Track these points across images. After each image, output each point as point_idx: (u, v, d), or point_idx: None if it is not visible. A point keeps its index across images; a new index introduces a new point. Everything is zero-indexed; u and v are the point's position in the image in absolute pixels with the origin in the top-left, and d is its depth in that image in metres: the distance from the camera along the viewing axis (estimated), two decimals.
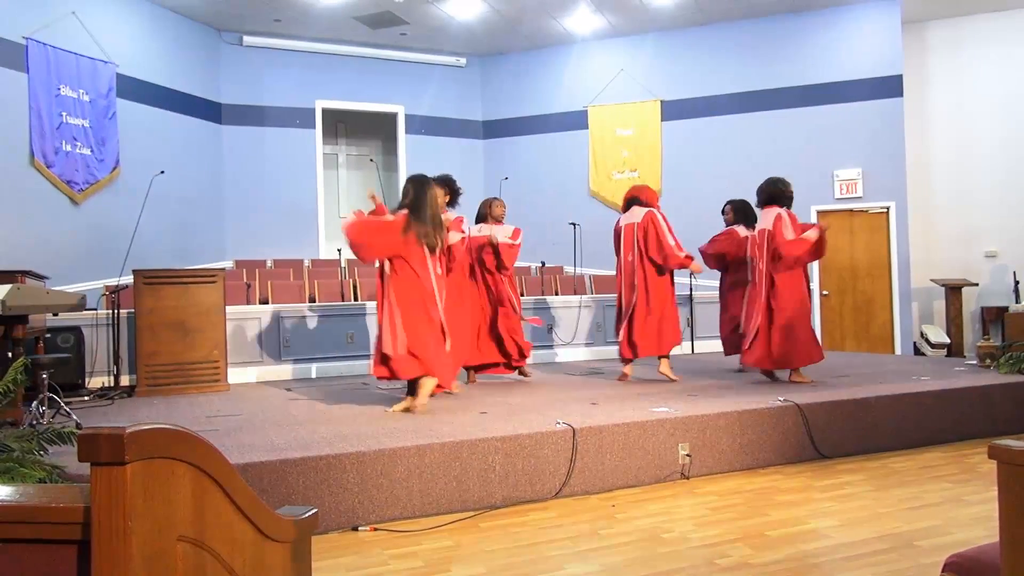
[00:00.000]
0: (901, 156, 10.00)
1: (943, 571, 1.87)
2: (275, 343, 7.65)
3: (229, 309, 6.99)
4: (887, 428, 5.18)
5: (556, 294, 9.66)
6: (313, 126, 11.09)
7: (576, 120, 11.41)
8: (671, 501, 4.07)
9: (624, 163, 11.15)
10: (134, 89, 9.18)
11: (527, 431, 4.17)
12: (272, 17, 10.23)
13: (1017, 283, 10.01)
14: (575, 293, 9.62)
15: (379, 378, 5.07)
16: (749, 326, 6.15)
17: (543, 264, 10.11)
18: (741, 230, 6.98)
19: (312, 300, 8.62)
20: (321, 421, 4.81)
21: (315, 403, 5.72)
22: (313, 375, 7.73)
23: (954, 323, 10.07)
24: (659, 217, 6.36)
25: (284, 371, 7.64)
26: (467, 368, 6.63)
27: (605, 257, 9.48)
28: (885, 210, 10.07)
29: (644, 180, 10.85)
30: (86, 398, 6.35)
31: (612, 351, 9.16)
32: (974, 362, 7.10)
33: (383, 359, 4.99)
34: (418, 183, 5.15)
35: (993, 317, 9.96)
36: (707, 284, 8.90)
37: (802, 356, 5.96)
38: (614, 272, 10.14)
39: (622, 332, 6.43)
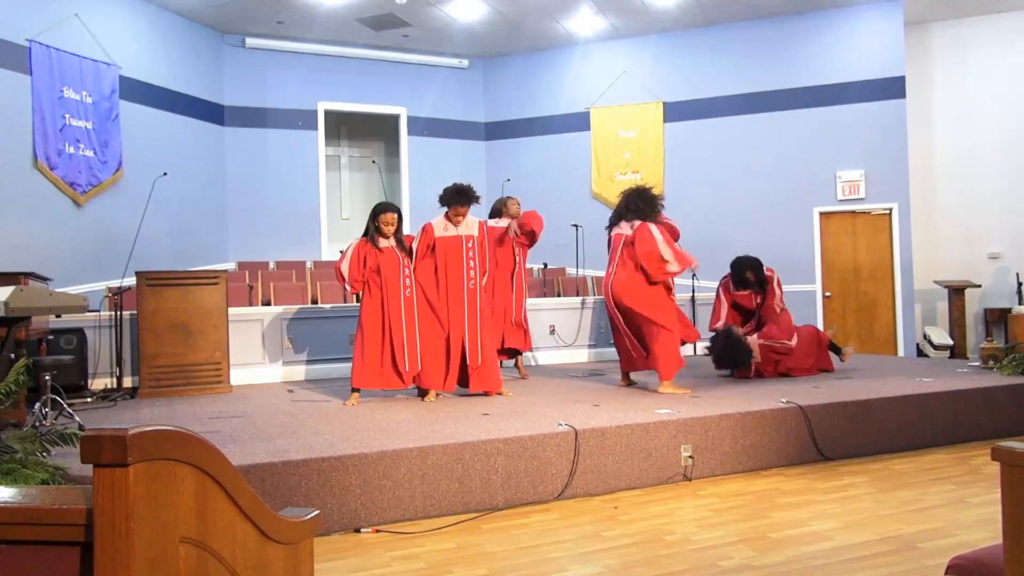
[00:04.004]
0: (904, 157, 9.98)
1: (946, 573, 1.86)
2: (277, 345, 7.65)
3: (231, 311, 7.00)
4: (890, 430, 5.17)
5: (558, 295, 9.66)
6: (315, 128, 11.10)
7: (578, 122, 11.41)
8: (673, 503, 4.07)
9: (626, 165, 11.15)
10: (137, 91, 9.20)
11: (529, 433, 4.17)
12: (275, 19, 10.24)
13: (1020, 284, 9.99)
14: (577, 295, 9.61)
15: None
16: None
17: (545, 265, 10.11)
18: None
19: (314, 302, 8.63)
20: (323, 423, 4.81)
21: (317, 405, 5.72)
22: (316, 377, 7.73)
23: (957, 325, 10.05)
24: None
25: (286, 373, 7.64)
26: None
27: (607, 258, 9.48)
28: (888, 211, 10.06)
29: (646, 182, 10.84)
30: (89, 400, 6.36)
31: (613, 352, 9.16)
32: (977, 364, 7.09)
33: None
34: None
35: (996, 319, 9.94)
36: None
37: None
38: None
39: None
